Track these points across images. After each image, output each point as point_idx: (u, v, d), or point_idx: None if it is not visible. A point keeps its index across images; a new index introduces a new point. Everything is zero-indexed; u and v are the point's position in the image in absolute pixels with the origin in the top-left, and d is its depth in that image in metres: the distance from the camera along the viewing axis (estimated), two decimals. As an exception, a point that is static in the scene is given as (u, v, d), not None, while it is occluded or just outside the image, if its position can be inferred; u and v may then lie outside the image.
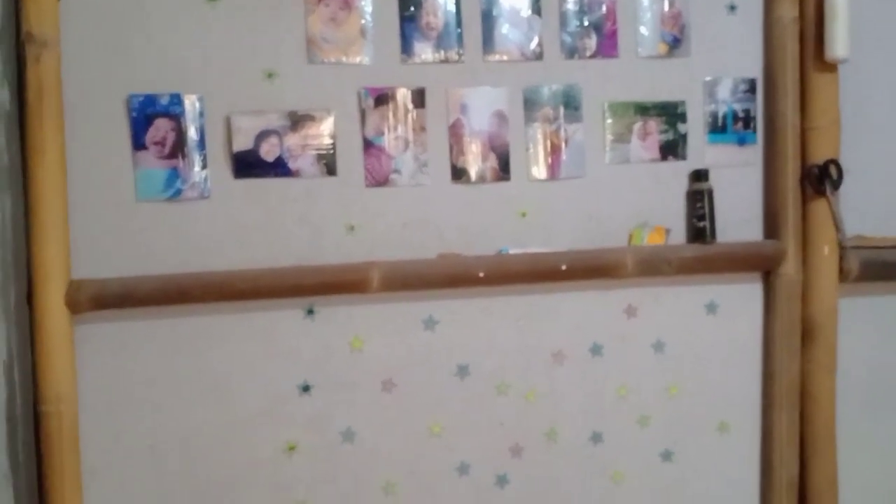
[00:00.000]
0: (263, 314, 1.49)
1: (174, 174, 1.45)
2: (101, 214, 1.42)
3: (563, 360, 1.60)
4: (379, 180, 1.52)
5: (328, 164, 1.50)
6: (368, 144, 1.51)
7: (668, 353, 1.63)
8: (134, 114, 1.43)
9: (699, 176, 1.62)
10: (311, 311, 1.51)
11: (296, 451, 1.51)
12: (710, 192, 1.61)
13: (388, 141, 1.52)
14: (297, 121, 1.48)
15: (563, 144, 1.58)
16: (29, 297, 1.35)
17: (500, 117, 1.56)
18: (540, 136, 1.57)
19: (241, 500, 1.48)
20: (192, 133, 1.45)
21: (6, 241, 1.29)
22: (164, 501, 1.45)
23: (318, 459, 1.51)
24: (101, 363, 1.43)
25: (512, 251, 1.55)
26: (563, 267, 1.53)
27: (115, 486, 1.43)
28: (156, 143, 1.44)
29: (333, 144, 1.50)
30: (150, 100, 1.44)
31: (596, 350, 1.61)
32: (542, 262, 1.54)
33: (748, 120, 1.65)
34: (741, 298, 1.66)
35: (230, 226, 1.47)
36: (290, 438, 1.50)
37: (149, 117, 1.44)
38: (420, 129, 1.53)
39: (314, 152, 1.49)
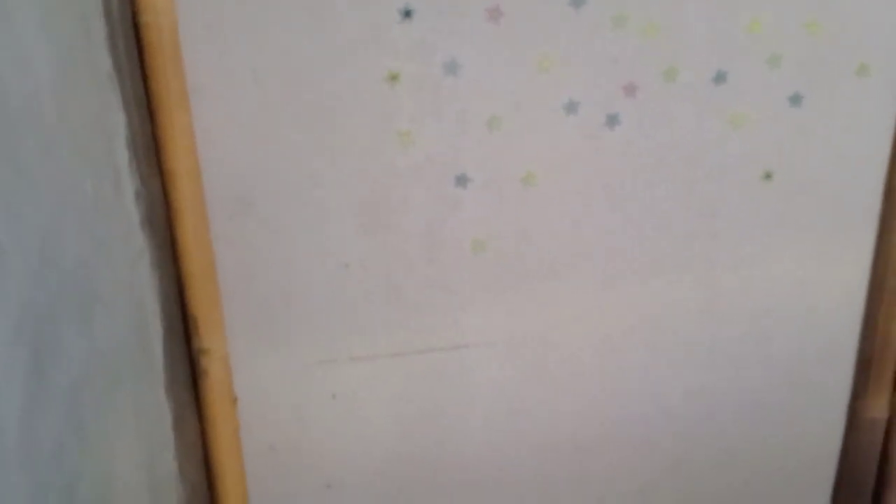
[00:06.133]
0: (359, -70, 1.36)
1: None
2: None
3: (689, -10, 1.43)
4: None
5: None
6: None
7: (813, -17, 1.44)
8: None
9: None
10: (410, -72, 1.37)
11: (398, 81, 1.45)
12: None
13: None
14: None
15: None
16: None
17: None
18: None
19: (345, 127, 1.46)
20: None
21: None
22: (268, 122, 1.44)
23: (421, 90, 1.45)
24: (194, -23, 1.36)
25: None
26: None
27: (220, 105, 1.42)
28: None
29: None
30: None
31: (729, -22, 1.43)
32: None
33: None
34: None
35: None
36: (391, 67, 1.44)
37: None
38: None
39: None
